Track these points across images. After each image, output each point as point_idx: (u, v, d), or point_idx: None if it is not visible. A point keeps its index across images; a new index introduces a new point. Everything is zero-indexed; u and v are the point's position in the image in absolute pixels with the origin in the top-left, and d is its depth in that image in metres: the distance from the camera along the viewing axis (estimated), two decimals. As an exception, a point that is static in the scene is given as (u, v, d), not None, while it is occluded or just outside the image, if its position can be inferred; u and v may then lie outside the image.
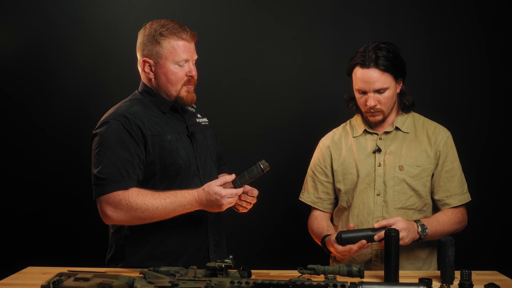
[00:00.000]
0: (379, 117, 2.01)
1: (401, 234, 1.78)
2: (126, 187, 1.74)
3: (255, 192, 1.89)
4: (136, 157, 1.79)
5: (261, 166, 1.79)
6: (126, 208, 1.72)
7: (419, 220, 1.90)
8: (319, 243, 2.02)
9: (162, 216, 1.76)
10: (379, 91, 1.96)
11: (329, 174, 2.12)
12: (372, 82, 1.94)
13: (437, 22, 2.89)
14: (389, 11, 2.91)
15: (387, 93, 1.97)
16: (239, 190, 1.79)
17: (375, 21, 2.91)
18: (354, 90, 2.03)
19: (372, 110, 1.99)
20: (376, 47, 1.95)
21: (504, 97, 2.87)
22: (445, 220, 1.95)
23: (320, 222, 2.08)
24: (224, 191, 1.73)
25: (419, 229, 1.86)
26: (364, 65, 1.94)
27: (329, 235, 1.94)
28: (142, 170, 1.81)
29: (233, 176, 1.80)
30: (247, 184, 1.83)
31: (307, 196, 2.17)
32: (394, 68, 1.95)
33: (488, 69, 2.87)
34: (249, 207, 1.91)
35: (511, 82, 2.87)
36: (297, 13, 2.96)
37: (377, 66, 1.93)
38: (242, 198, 1.87)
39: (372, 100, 1.96)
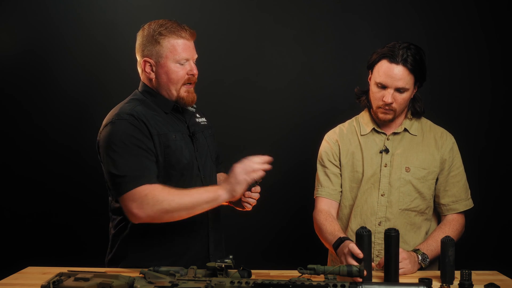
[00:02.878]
0: (390, 116, 2.00)
1: (405, 264, 1.77)
2: (150, 181, 1.71)
3: (258, 188, 1.89)
4: (150, 152, 1.77)
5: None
6: (153, 202, 1.68)
7: (419, 250, 1.88)
8: (322, 240, 1.99)
9: (189, 206, 1.71)
10: (399, 90, 1.95)
11: (339, 166, 2.09)
12: (397, 79, 1.93)
13: (437, 22, 2.89)
14: (389, 11, 2.91)
15: (405, 94, 1.96)
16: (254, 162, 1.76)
17: (375, 21, 2.91)
18: (373, 83, 2.00)
19: (386, 107, 1.98)
20: (407, 47, 1.95)
21: (504, 98, 2.87)
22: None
23: (333, 221, 2.00)
24: (240, 166, 1.73)
25: (420, 258, 1.85)
26: (394, 60, 1.93)
27: (347, 238, 1.81)
28: (157, 164, 1.79)
29: None
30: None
31: (322, 190, 2.10)
32: (418, 71, 1.96)
33: (488, 69, 2.87)
34: (254, 203, 1.91)
35: (511, 82, 2.87)
36: (297, 13, 2.96)
37: (405, 64, 1.93)
38: (247, 195, 1.87)
39: (390, 96, 1.95)
